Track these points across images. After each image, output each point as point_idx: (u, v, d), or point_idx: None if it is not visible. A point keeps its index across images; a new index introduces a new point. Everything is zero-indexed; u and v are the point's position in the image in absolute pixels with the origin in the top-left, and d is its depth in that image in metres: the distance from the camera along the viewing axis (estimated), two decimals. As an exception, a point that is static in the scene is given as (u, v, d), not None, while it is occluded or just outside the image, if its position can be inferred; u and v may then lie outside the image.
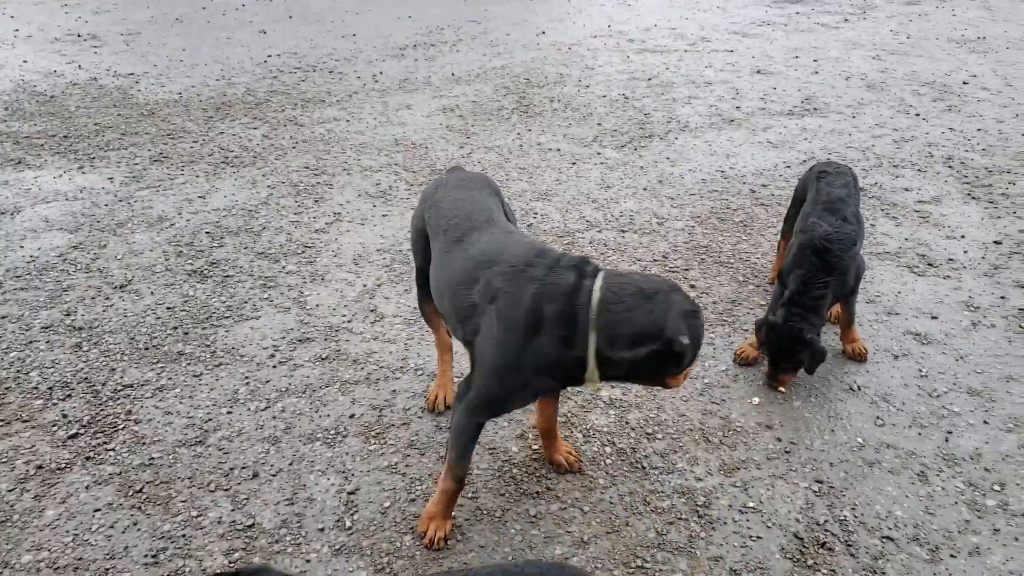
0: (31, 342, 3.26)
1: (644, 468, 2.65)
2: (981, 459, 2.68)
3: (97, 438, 2.73)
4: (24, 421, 2.81)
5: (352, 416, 2.87)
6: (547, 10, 10.23)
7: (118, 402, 2.91)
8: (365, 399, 2.96)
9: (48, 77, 6.86)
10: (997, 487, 2.56)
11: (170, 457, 2.66)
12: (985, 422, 2.85)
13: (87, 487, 2.52)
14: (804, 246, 3.01)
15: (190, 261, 3.92)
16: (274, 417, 2.86)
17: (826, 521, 2.44)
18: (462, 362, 3.06)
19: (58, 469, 2.59)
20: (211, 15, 9.55)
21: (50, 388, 2.98)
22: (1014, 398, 2.97)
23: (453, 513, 2.42)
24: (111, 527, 2.38)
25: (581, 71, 7.35)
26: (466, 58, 7.78)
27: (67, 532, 2.35)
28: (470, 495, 2.53)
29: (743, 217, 4.46)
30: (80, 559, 2.27)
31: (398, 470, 2.63)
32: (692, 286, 3.73)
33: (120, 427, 2.79)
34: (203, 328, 3.38)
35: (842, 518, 2.45)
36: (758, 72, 7.31)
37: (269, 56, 7.71)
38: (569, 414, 2.90)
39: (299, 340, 3.31)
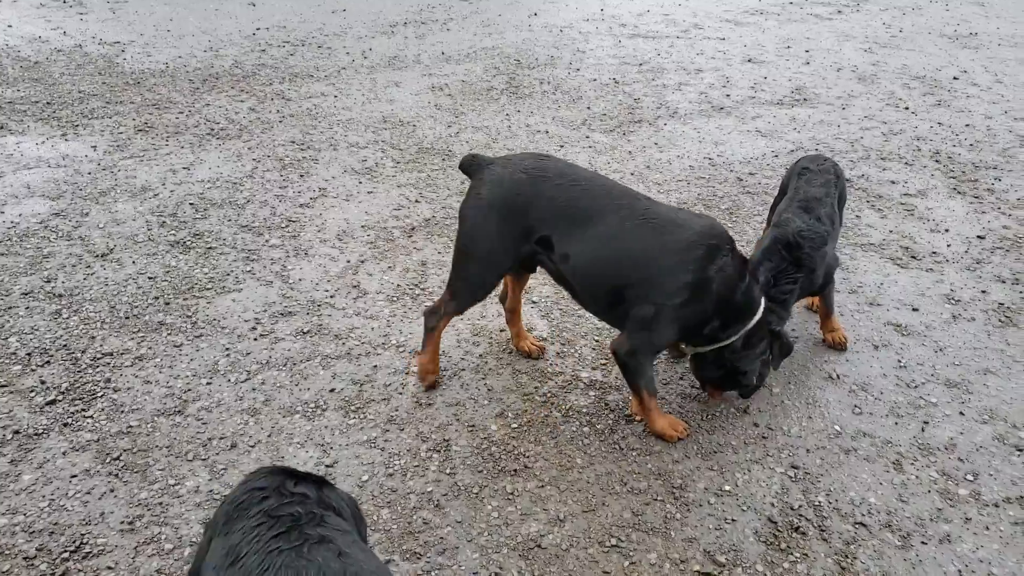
0: (10, 308, 3.22)
1: (622, 449, 2.66)
2: (956, 449, 2.71)
3: (75, 405, 2.71)
4: (2, 386, 2.78)
5: (332, 390, 2.87)
6: (542, -8, 10.15)
7: (97, 370, 2.89)
8: (346, 374, 2.96)
9: (32, 43, 6.74)
10: (970, 477, 2.59)
11: (148, 426, 2.65)
12: (961, 413, 2.89)
13: (64, 453, 2.51)
14: (776, 241, 3.03)
15: (173, 232, 3.88)
16: (254, 389, 2.85)
17: (800, 506, 2.46)
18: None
19: (35, 434, 2.57)
20: (201, -15, 9.40)
21: (28, 354, 2.95)
22: (990, 390, 3.01)
23: (431, 489, 2.43)
24: (88, 493, 2.36)
25: (572, 54, 7.31)
26: (457, 37, 7.71)
27: (43, 497, 2.34)
28: (448, 471, 2.54)
29: (729, 205, 4.47)
30: (56, 524, 2.25)
31: (377, 444, 2.63)
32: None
33: (99, 395, 2.77)
34: (184, 299, 3.36)
35: (816, 503, 2.48)
36: (749, 61, 7.30)
37: (258, 29, 7.60)
38: (549, 394, 2.91)
39: (281, 314, 3.29)
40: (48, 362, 2.91)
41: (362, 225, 4.05)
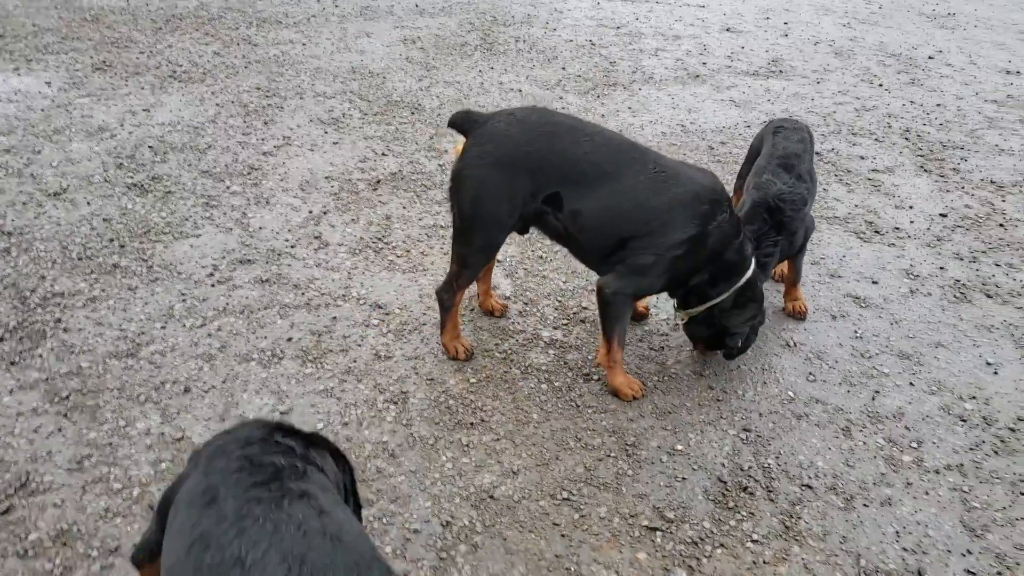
0: (-46, 244, 3.11)
1: (578, 407, 2.68)
2: (903, 418, 2.78)
3: (23, 344, 2.64)
4: (-57, 324, 2.70)
5: (290, 340, 2.83)
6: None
7: (47, 310, 2.81)
8: (304, 324, 2.92)
9: (-14, -30, 6.42)
10: (914, 444, 2.66)
11: (99, 367, 2.59)
12: (911, 384, 2.95)
13: (11, 391, 2.44)
14: (757, 204, 3.03)
15: (130, 174, 3.76)
16: (209, 335, 2.80)
17: (750, 467, 2.51)
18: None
19: (-23, 373, 2.50)
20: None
21: (-27, 292, 2.86)
22: (940, 363, 3.08)
23: (386, 439, 2.43)
24: (34, 432, 2.31)
25: (549, 14, 7.19)
26: (435, -10, 7.53)
27: (-16, 436, 2.28)
28: (404, 422, 2.53)
29: (700, 172, 4.47)
30: (1, 460, 2.20)
31: (333, 394, 2.61)
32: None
33: (48, 335, 2.70)
34: (140, 242, 3.27)
35: (766, 465, 2.53)
36: (727, 30, 7.26)
37: (228, -30, 7.33)
38: (509, 351, 2.91)
39: (240, 261, 3.23)
40: (-6, 300, 2.83)
41: (326, 176, 3.97)
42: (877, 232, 3.99)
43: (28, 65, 4.80)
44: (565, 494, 2.34)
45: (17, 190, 3.53)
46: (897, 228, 4.05)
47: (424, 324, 3.00)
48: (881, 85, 6.13)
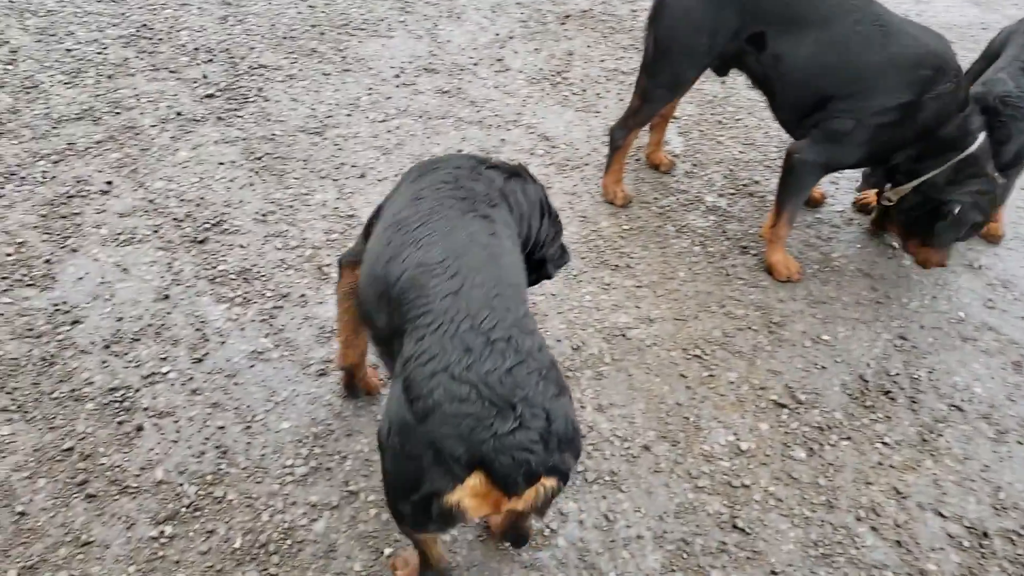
0: (184, 4, 3.36)
1: (728, 275, 2.62)
2: (1087, 368, 2.52)
3: (230, 103, 2.88)
4: (171, 71, 2.97)
5: (460, 152, 2.91)
6: None
7: (252, 78, 3.03)
8: (475, 139, 2.98)
9: None
10: (1092, 396, 2.43)
11: (290, 138, 2.79)
12: (1105, 335, 2.65)
13: (216, 142, 2.70)
14: (975, 100, 2.68)
15: (338, -32, 3.86)
16: (389, 131, 2.93)
17: (897, 374, 2.39)
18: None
19: (194, 120, 2.78)
20: None
21: (196, 49, 3.11)
22: None
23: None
24: (231, 181, 2.57)
25: None
26: None
27: (194, 174, 2.57)
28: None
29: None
30: (202, 198, 2.48)
31: (494, 208, 2.69)
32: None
33: (251, 100, 2.92)
34: (338, 33, 3.40)
35: (915, 376, 2.40)
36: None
37: None
38: (668, 208, 2.85)
39: (425, 69, 3.30)
40: (211, 60, 3.07)
41: (517, 2, 3.89)
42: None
43: None
44: (697, 351, 2.34)
45: (238, -34, 3.72)
46: None
47: (587, 164, 2.98)
48: None
